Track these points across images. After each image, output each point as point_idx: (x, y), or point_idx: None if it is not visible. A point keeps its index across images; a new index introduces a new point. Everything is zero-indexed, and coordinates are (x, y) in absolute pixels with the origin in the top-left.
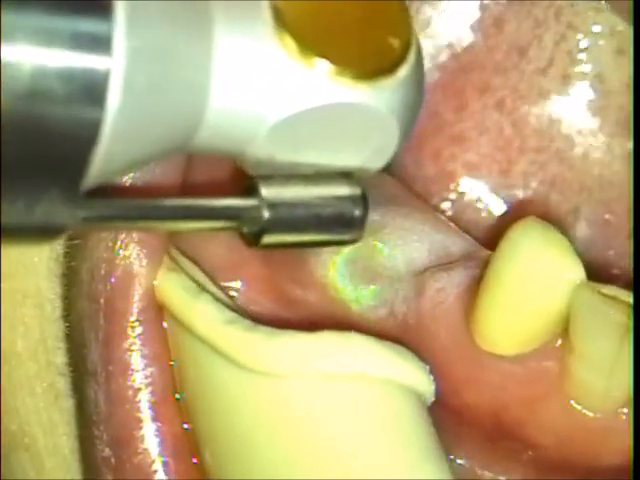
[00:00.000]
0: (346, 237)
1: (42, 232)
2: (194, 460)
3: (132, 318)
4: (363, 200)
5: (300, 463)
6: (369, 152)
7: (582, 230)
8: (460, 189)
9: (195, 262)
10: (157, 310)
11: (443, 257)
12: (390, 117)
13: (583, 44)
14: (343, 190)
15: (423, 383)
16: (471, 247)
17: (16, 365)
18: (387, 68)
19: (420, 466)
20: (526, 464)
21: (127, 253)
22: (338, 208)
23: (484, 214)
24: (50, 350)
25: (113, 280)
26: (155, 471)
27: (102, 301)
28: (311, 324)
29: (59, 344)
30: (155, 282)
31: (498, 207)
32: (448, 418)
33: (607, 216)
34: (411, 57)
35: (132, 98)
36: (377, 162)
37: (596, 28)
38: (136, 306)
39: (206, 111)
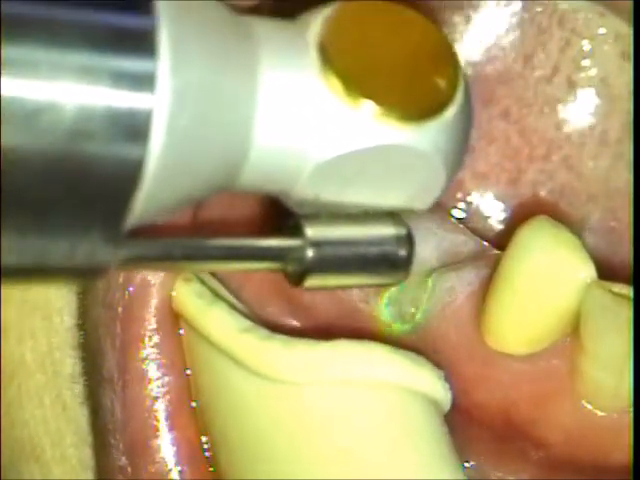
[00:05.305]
0: (390, 279)
1: (84, 272)
2: (210, 469)
3: (150, 327)
4: (408, 240)
5: (317, 471)
6: (415, 191)
7: (588, 238)
8: (468, 198)
9: None
10: (174, 319)
11: (452, 257)
12: (436, 157)
13: (588, 49)
14: (388, 230)
15: (439, 391)
16: (480, 247)
17: (25, 377)
18: (434, 109)
19: (436, 474)
20: (535, 464)
21: None
22: (383, 248)
23: (492, 223)
24: (58, 361)
25: (131, 289)
26: None
27: (120, 309)
28: (321, 330)
29: (69, 354)
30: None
31: (506, 216)
32: (458, 418)
33: (613, 224)
34: (458, 97)
35: (176, 137)
36: (423, 201)
37: (600, 33)
38: (153, 315)
39: (250, 150)
